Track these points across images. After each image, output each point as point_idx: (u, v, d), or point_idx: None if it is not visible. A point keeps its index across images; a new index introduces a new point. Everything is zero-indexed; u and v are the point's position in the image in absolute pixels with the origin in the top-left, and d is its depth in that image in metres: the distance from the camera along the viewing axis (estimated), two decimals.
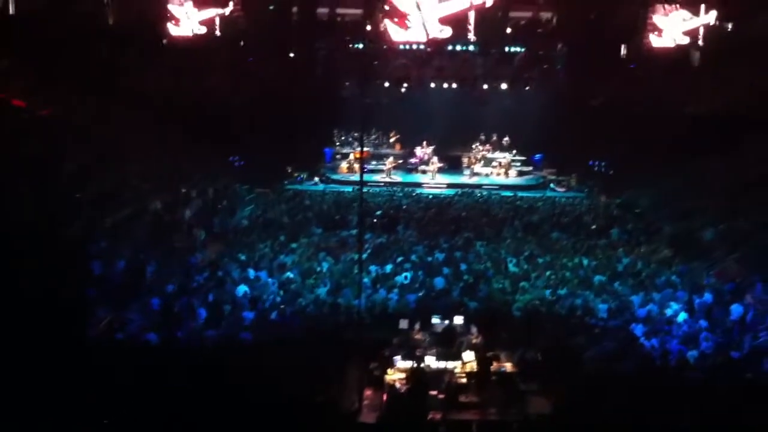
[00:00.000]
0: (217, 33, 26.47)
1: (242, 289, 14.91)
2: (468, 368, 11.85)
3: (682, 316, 13.86)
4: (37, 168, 17.26)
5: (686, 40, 25.43)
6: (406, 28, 25.26)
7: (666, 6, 25.31)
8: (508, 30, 27.46)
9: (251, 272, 15.98)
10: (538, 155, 31.09)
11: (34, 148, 18.01)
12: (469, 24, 25.52)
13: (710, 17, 25.03)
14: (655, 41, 25.76)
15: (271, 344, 12.14)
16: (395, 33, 25.68)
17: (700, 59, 26.12)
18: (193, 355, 11.71)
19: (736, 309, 13.91)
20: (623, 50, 28.17)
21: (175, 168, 23.34)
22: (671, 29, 25.43)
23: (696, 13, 25.18)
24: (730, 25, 25.43)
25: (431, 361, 12.01)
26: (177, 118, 24.45)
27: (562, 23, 28.22)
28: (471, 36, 25.79)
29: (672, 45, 25.58)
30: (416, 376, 11.34)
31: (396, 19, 25.39)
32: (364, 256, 16.89)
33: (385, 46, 27.13)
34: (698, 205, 21.12)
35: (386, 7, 25.90)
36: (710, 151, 22.46)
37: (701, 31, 25.36)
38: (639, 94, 26.16)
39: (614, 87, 27.09)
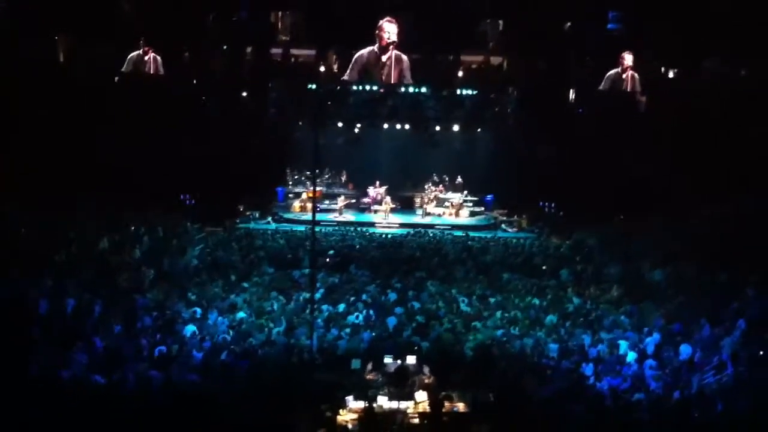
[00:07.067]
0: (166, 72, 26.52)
1: (190, 329, 14.62)
2: (420, 408, 11.75)
3: (631, 356, 13.98)
4: None
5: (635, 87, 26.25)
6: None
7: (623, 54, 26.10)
8: (460, 73, 27.92)
9: (200, 311, 15.68)
10: (489, 196, 31.45)
11: None
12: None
13: (657, 65, 25.86)
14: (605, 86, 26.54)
15: (219, 386, 11.87)
16: (347, 73, 26.01)
17: (647, 106, 26.90)
18: (138, 397, 11.38)
19: (684, 349, 14.07)
20: (572, 95, 28.92)
21: (124, 206, 22.98)
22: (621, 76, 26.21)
23: (642, 60, 26.00)
24: (672, 73, 26.30)
25: (383, 402, 11.86)
26: (127, 154, 24.17)
27: (513, 67, 28.80)
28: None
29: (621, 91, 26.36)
30: (368, 417, 11.17)
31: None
32: (317, 295, 16.77)
33: (338, 87, 27.35)
34: (646, 247, 21.52)
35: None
36: (658, 194, 23.03)
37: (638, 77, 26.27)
38: (587, 137, 26.78)
39: (563, 130, 27.68)
